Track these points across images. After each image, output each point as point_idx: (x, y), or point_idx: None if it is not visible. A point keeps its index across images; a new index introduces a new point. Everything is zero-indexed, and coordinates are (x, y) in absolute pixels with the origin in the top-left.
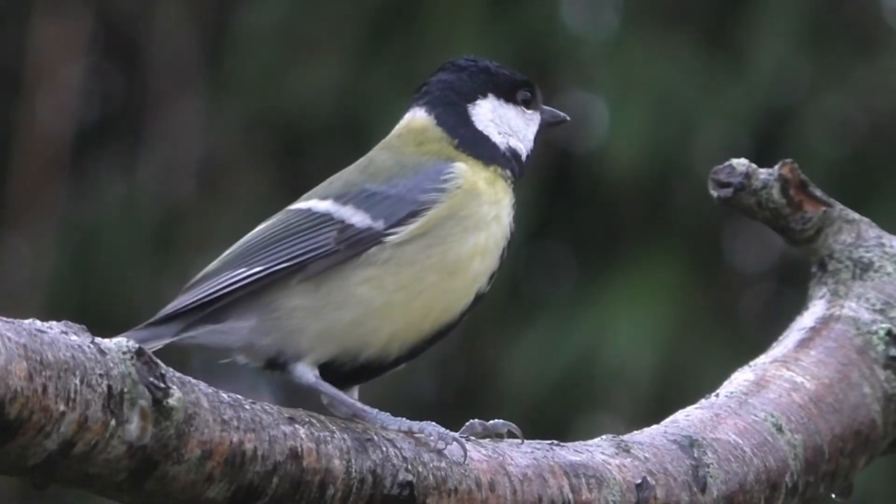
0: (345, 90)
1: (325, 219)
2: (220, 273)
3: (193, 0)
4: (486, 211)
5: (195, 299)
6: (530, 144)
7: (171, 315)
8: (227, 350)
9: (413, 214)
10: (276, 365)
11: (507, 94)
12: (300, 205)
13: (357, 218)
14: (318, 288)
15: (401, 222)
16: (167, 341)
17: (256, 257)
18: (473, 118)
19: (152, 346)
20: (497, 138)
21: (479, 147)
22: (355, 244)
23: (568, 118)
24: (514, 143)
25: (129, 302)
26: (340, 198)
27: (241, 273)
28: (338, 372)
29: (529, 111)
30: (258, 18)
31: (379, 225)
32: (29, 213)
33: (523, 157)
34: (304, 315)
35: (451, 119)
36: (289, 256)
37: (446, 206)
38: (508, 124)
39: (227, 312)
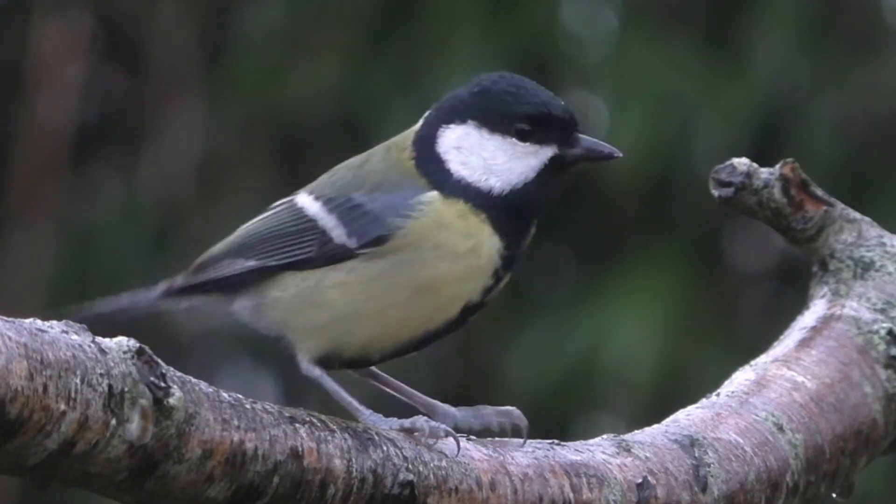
0: (345, 90)
1: (312, 225)
2: (223, 259)
3: (193, 0)
4: (457, 242)
5: (203, 280)
6: (517, 178)
7: (186, 287)
8: (242, 324)
9: (380, 238)
10: (283, 347)
11: (497, 123)
12: (300, 198)
13: (337, 232)
14: (298, 284)
15: (369, 244)
16: (184, 306)
17: (253, 251)
18: (438, 139)
19: (171, 308)
20: (453, 165)
21: (431, 166)
22: (331, 257)
23: (616, 154)
24: (477, 175)
25: None
26: (330, 202)
27: (240, 263)
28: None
29: (525, 144)
30: (258, 19)
31: (352, 242)
32: (29, 213)
33: (494, 192)
34: (285, 307)
35: (424, 134)
36: (277, 256)
37: (411, 234)
38: (481, 154)
39: (236, 290)
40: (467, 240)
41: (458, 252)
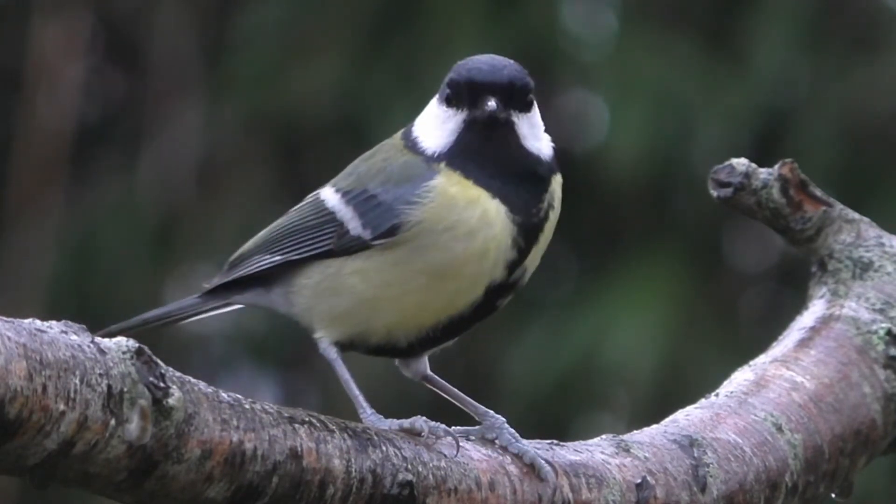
0: (345, 90)
1: (330, 218)
2: (252, 255)
3: (193, 0)
4: (467, 216)
5: (238, 275)
6: (444, 141)
7: (225, 284)
8: (277, 313)
9: (393, 228)
10: (310, 333)
11: (441, 93)
12: (324, 191)
13: (353, 224)
14: (322, 271)
15: (384, 234)
16: (226, 301)
17: (277, 245)
18: (416, 118)
19: (218, 307)
20: (421, 139)
21: (414, 143)
22: (348, 248)
23: (487, 110)
24: (435, 142)
25: (129, 302)
26: (347, 194)
27: (267, 259)
28: (363, 347)
29: (449, 109)
30: (258, 19)
31: (367, 234)
32: (29, 213)
33: (433, 154)
34: (310, 294)
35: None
36: (300, 250)
37: (424, 220)
38: (431, 123)
39: (271, 282)
40: (475, 208)
41: (472, 226)
